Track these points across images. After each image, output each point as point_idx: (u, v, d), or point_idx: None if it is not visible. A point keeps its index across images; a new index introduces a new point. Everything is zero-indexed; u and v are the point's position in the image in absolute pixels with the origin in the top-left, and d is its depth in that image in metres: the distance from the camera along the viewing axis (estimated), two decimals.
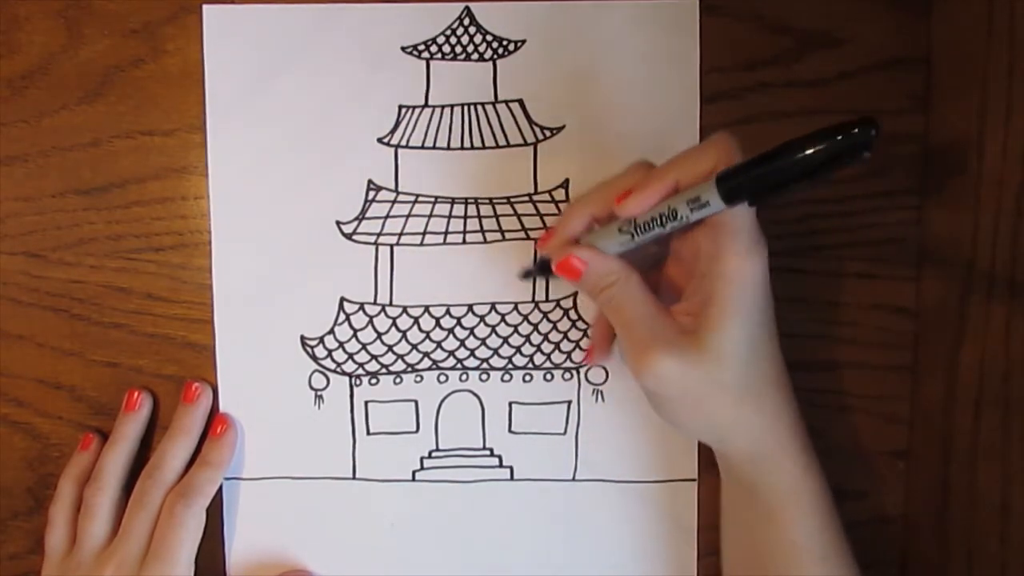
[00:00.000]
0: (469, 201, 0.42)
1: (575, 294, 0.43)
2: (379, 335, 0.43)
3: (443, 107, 0.42)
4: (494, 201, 0.42)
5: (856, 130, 0.27)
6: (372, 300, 0.43)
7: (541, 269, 0.38)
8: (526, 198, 0.42)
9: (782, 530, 0.36)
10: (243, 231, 0.42)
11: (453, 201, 0.42)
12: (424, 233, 0.42)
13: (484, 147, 0.42)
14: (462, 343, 0.43)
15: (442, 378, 0.43)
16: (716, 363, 0.33)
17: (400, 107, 0.42)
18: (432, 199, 0.42)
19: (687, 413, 0.35)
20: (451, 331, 0.43)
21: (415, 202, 0.42)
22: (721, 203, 0.31)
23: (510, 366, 0.43)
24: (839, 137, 0.27)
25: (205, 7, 0.41)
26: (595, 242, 0.35)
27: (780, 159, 0.29)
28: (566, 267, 0.35)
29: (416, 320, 0.43)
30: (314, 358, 0.43)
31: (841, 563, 0.36)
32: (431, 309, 0.43)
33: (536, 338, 0.43)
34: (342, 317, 0.43)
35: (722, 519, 0.40)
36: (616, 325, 0.35)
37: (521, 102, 0.42)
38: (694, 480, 0.43)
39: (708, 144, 0.32)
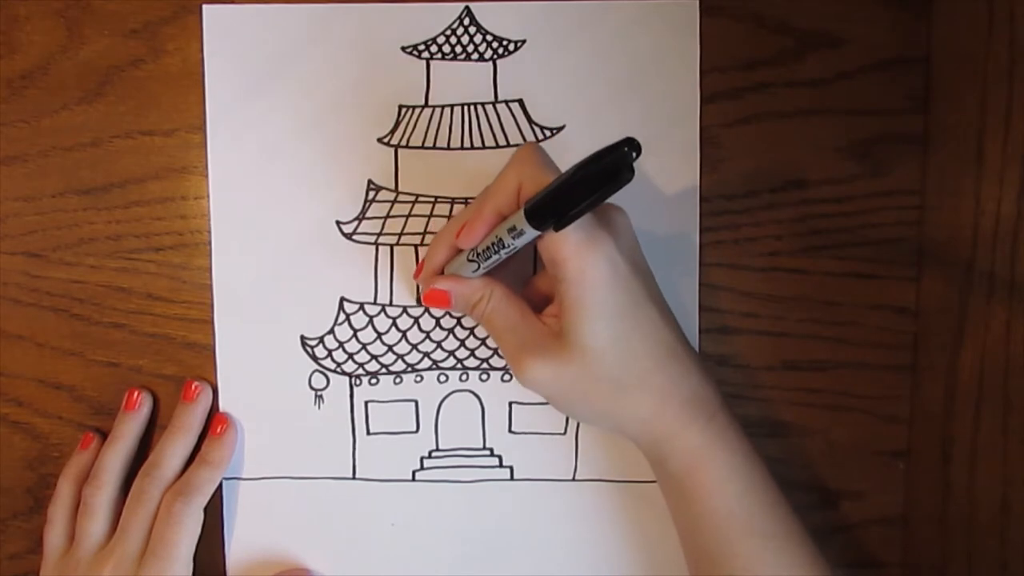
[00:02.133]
0: (469, 201, 0.42)
1: None
2: (379, 335, 0.43)
3: (443, 107, 0.42)
4: None
5: (624, 148, 0.29)
6: (372, 300, 0.43)
7: None
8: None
9: (694, 502, 0.36)
10: (243, 231, 0.42)
11: (453, 201, 0.42)
12: (424, 233, 0.42)
13: (484, 147, 0.42)
14: (462, 343, 0.43)
15: (442, 378, 0.43)
16: (582, 361, 0.35)
17: (400, 107, 0.42)
18: (432, 199, 0.42)
19: (575, 408, 0.37)
20: (451, 331, 0.43)
21: (415, 202, 0.42)
22: (533, 231, 0.33)
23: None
24: (611, 155, 0.30)
25: (205, 7, 0.41)
26: (456, 270, 0.38)
27: (567, 183, 0.31)
28: (432, 297, 0.38)
29: (416, 320, 0.43)
30: (314, 358, 0.43)
31: (771, 540, 0.36)
32: (431, 309, 0.43)
33: None
34: (342, 317, 0.43)
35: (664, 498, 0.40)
36: (492, 336, 0.38)
37: (521, 102, 0.42)
38: None
39: (510, 164, 0.35)
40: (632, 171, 0.30)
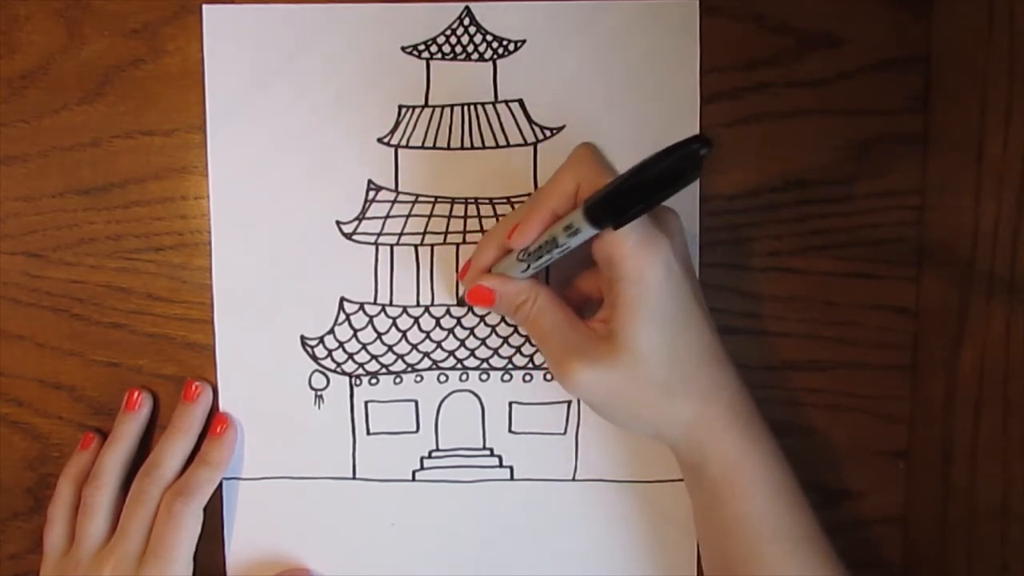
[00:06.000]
0: (469, 201, 0.42)
1: None
2: (379, 335, 0.43)
3: (443, 107, 0.42)
4: (494, 201, 0.42)
5: (694, 145, 0.29)
6: (372, 300, 0.43)
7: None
8: (526, 198, 0.42)
9: (728, 505, 0.36)
10: (243, 231, 0.42)
11: (453, 201, 0.42)
12: (424, 233, 0.42)
13: (484, 147, 0.42)
14: (462, 343, 0.43)
15: (442, 378, 0.43)
16: (631, 363, 0.34)
17: (400, 107, 0.42)
18: (432, 199, 0.42)
19: (617, 413, 0.37)
20: (451, 331, 0.43)
21: (415, 202, 0.42)
22: (591, 229, 0.32)
23: (510, 366, 0.43)
24: (680, 151, 0.29)
25: (205, 7, 0.41)
26: (504, 270, 0.37)
27: (631, 180, 0.30)
28: (477, 295, 0.37)
29: (416, 320, 0.43)
30: (314, 358, 0.43)
31: (798, 543, 0.36)
32: (431, 309, 0.43)
33: None
34: (342, 317, 0.43)
35: (692, 505, 0.40)
36: (535, 340, 0.38)
37: (521, 102, 0.42)
38: None
39: (568, 164, 0.35)
40: (699, 168, 0.29)
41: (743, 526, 0.36)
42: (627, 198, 0.31)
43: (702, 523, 0.39)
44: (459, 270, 0.41)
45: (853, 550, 0.43)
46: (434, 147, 0.42)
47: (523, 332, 0.43)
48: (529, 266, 0.36)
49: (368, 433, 0.43)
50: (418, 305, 0.43)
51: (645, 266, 0.33)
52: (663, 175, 0.30)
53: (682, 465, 0.39)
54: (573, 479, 0.43)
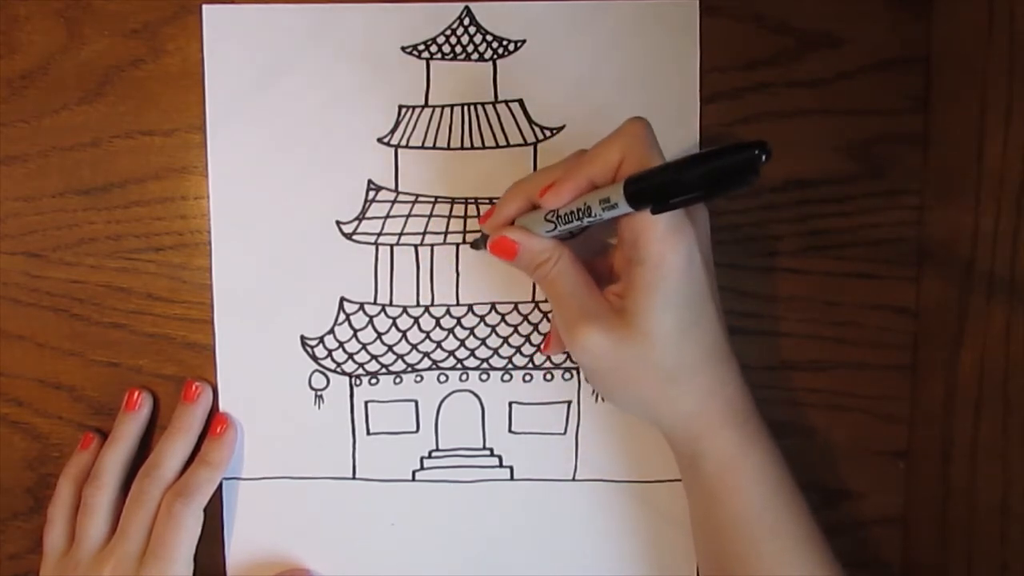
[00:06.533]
0: (469, 201, 0.42)
1: None
2: (379, 335, 0.43)
3: (443, 107, 0.42)
4: (494, 201, 0.42)
5: (755, 150, 0.28)
6: (372, 300, 0.43)
7: (486, 242, 0.39)
8: None
9: (724, 503, 0.36)
10: (243, 231, 0.42)
11: (453, 201, 0.42)
12: (424, 233, 0.42)
13: (484, 147, 0.42)
14: (462, 343, 0.43)
15: (442, 378, 0.43)
16: (641, 344, 0.34)
17: (400, 107, 0.42)
18: (432, 199, 0.42)
19: (618, 389, 0.37)
20: (451, 331, 0.43)
21: (415, 202, 0.42)
22: (628, 207, 0.32)
23: (510, 366, 0.43)
24: (738, 155, 0.29)
25: (205, 7, 0.41)
26: (527, 225, 0.37)
27: (682, 171, 0.30)
28: (500, 246, 0.37)
29: (416, 320, 0.43)
30: (314, 358, 0.43)
31: (797, 540, 0.36)
32: (431, 309, 0.43)
33: (536, 338, 0.43)
34: (342, 317, 0.43)
35: (688, 504, 0.40)
36: (551, 300, 0.38)
37: (521, 102, 0.42)
38: None
39: (616, 135, 0.34)
40: (756, 174, 0.28)
41: (740, 525, 0.36)
42: (673, 186, 0.31)
43: (699, 522, 0.39)
44: (480, 216, 0.41)
45: (853, 550, 0.43)
46: (434, 147, 0.42)
47: (523, 331, 0.43)
48: (556, 227, 0.36)
49: (368, 433, 0.43)
50: (418, 305, 0.43)
51: (668, 251, 0.33)
52: (718, 173, 0.29)
53: (679, 459, 0.39)
54: (573, 479, 0.43)
